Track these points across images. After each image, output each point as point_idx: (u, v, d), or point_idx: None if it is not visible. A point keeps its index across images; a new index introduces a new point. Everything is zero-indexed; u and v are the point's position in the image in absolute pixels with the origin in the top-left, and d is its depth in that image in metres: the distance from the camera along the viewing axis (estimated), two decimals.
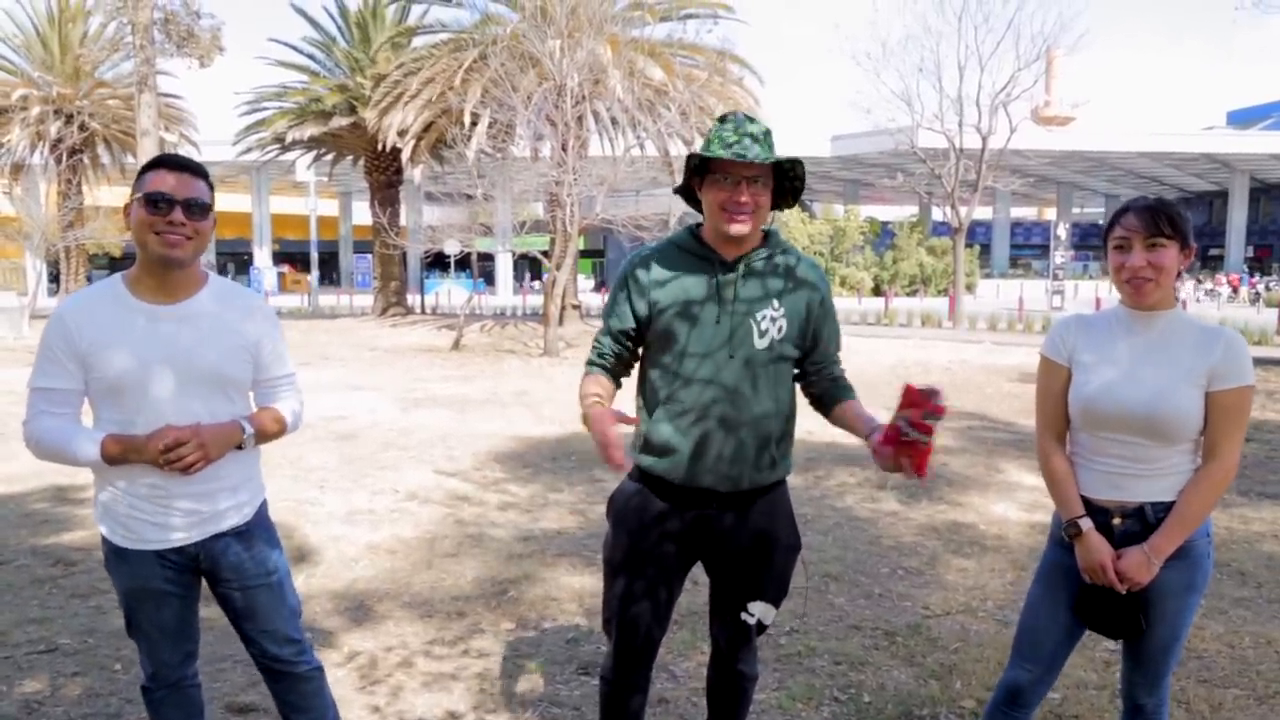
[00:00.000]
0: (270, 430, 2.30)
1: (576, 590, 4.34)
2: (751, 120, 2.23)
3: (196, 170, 2.17)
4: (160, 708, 2.34)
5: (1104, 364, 2.19)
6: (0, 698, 3.23)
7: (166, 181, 2.12)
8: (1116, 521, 2.17)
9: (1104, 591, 2.17)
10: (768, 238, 2.36)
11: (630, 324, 2.35)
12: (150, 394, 2.13)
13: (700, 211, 2.34)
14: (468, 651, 3.69)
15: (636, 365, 2.45)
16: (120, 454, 2.11)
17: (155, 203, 2.10)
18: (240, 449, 2.22)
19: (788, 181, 2.30)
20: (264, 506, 2.39)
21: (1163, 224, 2.07)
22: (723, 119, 2.25)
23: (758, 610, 2.41)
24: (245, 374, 2.26)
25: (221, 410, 2.20)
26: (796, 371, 2.42)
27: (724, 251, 2.29)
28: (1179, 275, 2.16)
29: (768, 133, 2.23)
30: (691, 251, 2.33)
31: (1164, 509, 2.14)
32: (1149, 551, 2.11)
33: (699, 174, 2.30)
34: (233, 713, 3.13)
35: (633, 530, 2.37)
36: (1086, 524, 2.18)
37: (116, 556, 2.24)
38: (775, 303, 2.28)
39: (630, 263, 2.39)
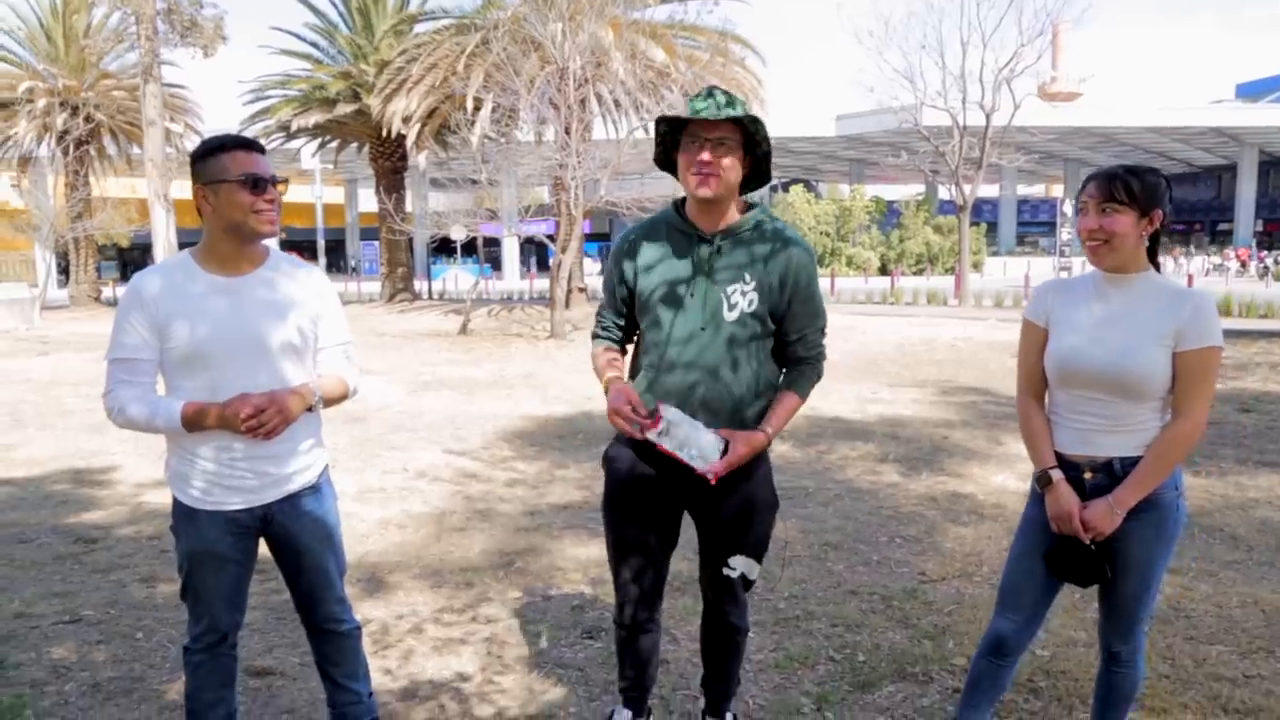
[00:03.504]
0: (335, 394, 2.43)
1: (582, 561, 4.46)
2: (723, 91, 2.31)
3: (263, 148, 2.32)
4: (197, 670, 2.46)
5: (1077, 324, 2.30)
6: (31, 663, 3.37)
7: (255, 163, 2.25)
8: (1087, 476, 2.28)
9: (1072, 541, 2.28)
10: (750, 212, 2.44)
11: (624, 294, 2.50)
12: (223, 362, 2.25)
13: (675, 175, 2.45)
14: (476, 618, 3.81)
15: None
16: (200, 420, 2.23)
17: (257, 183, 2.23)
18: (310, 410, 2.35)
19: (757, 148, 2.36)
20: (326, 469, 2.52)
21: (1117, 191, 2.16)
22: (698, 94, 2.34)
23: (740, 565, 2.54)
24: (309, 341, 2.38)
25: (289, 375, 2.33)
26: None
27: (703, 225, 2.40)
28: (1155, 241, 2.25)
29: (737, 101, 2.30)
30: (675, 226, 2.44)
31: (1131, 464, 2.24)
32: (1113, 502, 2.21)
33: (675, 146, 2.39)
34: (251, 675, 3.26)
35: (621, 483, 2.53)
36: (1056, 474, 2.29)
37: (186, 518, 2.35)
38: (746, 276, 2.37)
39: (621, 240, 2.53)
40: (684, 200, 2.46)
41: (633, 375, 2.55)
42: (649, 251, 2.45)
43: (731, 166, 2.32)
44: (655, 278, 2.41)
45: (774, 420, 2.43)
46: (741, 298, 2.35)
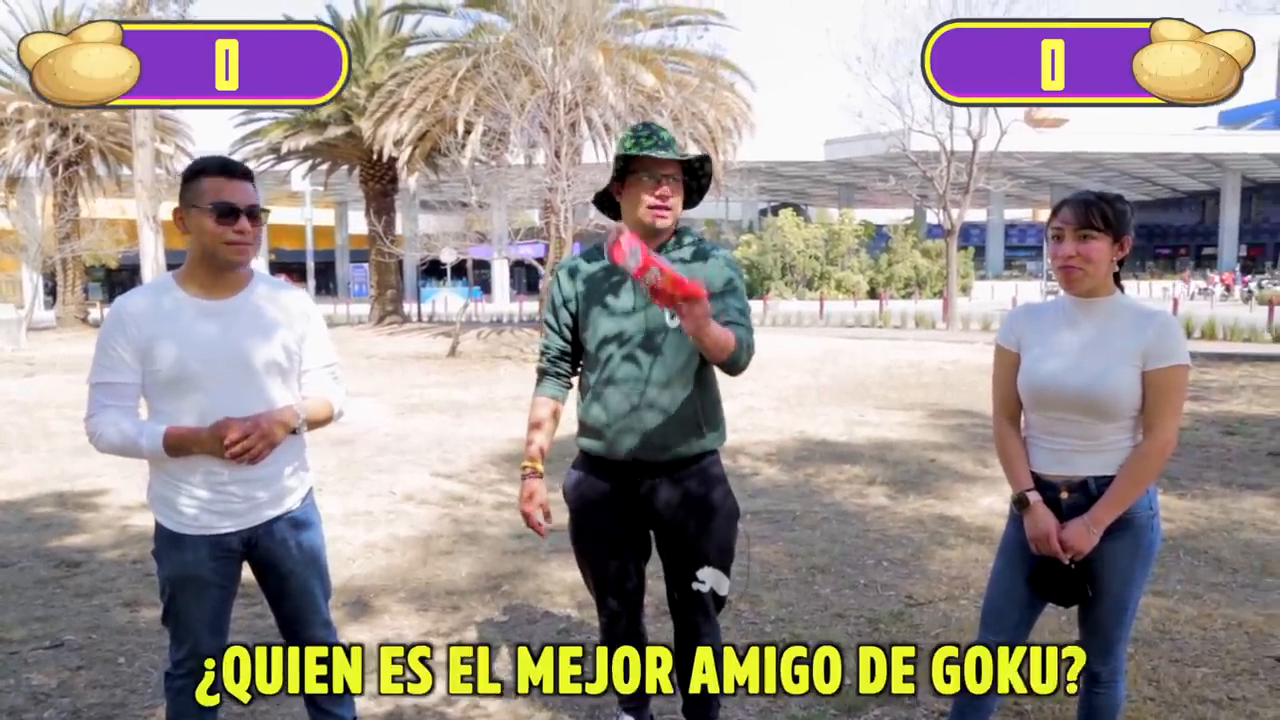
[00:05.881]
0: (320, 416, 2.42)
1: (568, 584, 4.45)
2: (661, 128, 2.50)
3: (247, 173, 2.28)
4: (179, 696, 2.43)
5: (1048, 349, 2.34)
6: (9, 690, 3.34)
7: (230, 190, 2.22)
8: (1064, 495, 2.31)
9: (1052, 562, 2.30)
10: (679, 234, 2.59)
11: (567, 319, 2.60)
12: (206, 385, 2.24)
13: (611, 217, 2.61)
14: (462, 642, 3.80)
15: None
16: (184, 445, 2.22)
17: (224, 214, 2.21)
18: (294, 434, 2.34)
19: (695, 180, 2.56)
20: (311, 492, 2.51)
21: (1094, 217, 2.21)
22: (634, 127, 2.49)
23: (708, 577, 2.59)
24: (293, 363, 2.38)
25: (273, 398, 2.32)
26: None
27: None
28: (1120, 265, 2.29)
29: (673, 139, 2.51)
30: None
31: (1106, 482, 2.27)
32: (1089, 522, 2.24)
33: (620, 179, 2.52)
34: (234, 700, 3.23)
35: (583, 512, 2.64)
36: (1034, 496, 2.32)
37: (169, 542, 2.33)
38: None
39: (559, 268, 2.65)
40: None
41: (582, 393, 2.64)
42: (592, 276, 2.58)
43: (678, 202, 2.51)
44: (596, 298, 2.54)
45: (714, 325, 2.26)
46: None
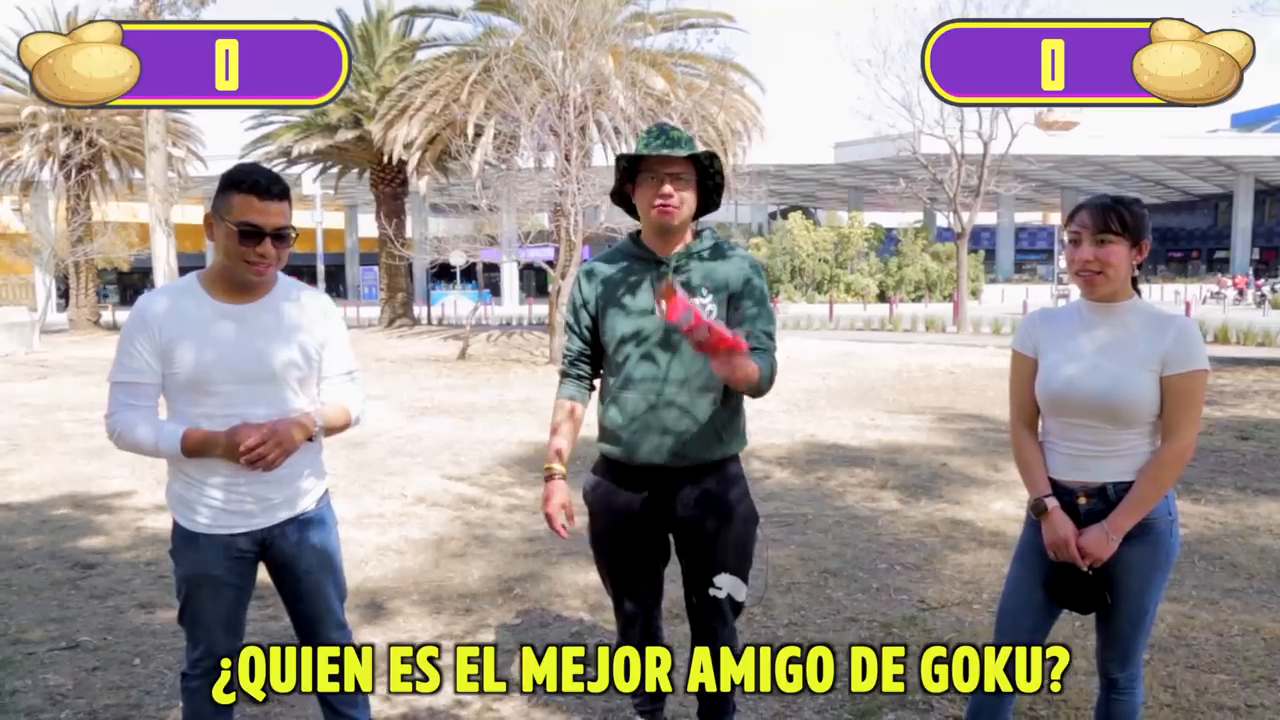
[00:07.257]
0: (338, 422, 2.43)
1: (581, 587, 4.45)
2: (674, 128, 2.50)
3: (282, 193, 2.25)
4: (194, 696, 2.44)
5: (1066, 354, 2.32)
6: (26, 690, 3.35)
7: (258, 212, 2.20)
8: (1081, 501, 2.29)
9: (1070, 568, 2.29)
10: (700, 236, 2.60)
11: (587, 321, 2.62)
12: (227, 389, 2.25)
13: (634, 216, 2.61)
14: (474, 644, 3.80)
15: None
16: (199, 449, 2.23)
17: (246, 234, 2.20)
18: (311, 440, 2.35)
19: (709, 180, 2.54)
20: (326, 494, 2.52)
21: (1111, 221, 2.19)
22: (646, 130, 2.50)
23: (725, 584, 2.59)
24: (312, 368, 2.38)
25: (291, 404, 2.33)
26: None
27: (659, 249, 2.54)
28: (1138, 268, 2.28)
29: (690, 139, 2.50)
30: (631, 254, 2.59)
31: (1124, 488, 2.26)
32: (1108, 528, 2.23)
33: (630, 179, 2.54)
34: (249, 701, 3.24)
35: (601, 515, 2.65)
36: (1052, 502, 2.30)
37: (185, 542, 2.35)
38: (704, 290, 2.50)
39: (580, 270, 2.67)
40: (638, 232, 2.63)
41: (602, 397, 2.65)
42: (609, 277, 2.59)
43: (688, 199, 2.49)
44: (616, 301, 2.55)
45: (746, 361, 2.28)
46: (702, 310, 2.43)
